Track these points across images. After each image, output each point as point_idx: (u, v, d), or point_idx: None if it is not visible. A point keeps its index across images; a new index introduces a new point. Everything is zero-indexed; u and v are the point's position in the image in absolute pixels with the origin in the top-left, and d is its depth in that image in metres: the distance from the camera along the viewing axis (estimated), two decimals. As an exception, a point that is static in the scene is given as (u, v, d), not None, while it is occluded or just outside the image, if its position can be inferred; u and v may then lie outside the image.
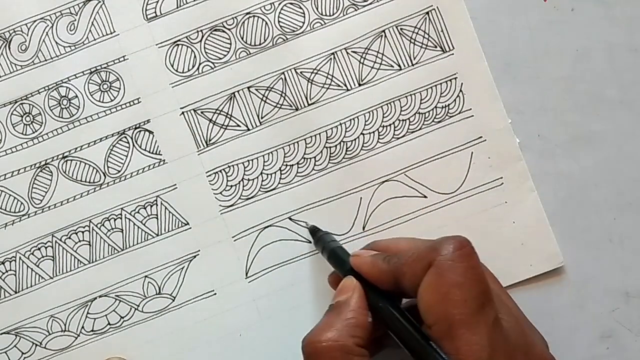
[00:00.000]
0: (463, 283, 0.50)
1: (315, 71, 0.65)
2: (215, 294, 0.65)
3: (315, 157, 0.65)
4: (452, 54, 0.65)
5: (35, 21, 0.65)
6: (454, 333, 0.49)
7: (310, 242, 0.65)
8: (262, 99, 0.65)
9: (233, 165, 0.65)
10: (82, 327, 0.64)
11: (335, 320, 0.54)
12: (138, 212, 0.65)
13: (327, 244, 0.61)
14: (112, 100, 0.65)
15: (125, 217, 0.65)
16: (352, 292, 0.55)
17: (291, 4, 0.65)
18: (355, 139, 0.65)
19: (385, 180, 0.65)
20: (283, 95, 0.65)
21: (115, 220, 0.65)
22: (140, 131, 0.65)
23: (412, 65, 0.65)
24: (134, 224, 0.65)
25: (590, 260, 0.65)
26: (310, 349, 0.53)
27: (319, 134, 0.65)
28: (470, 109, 0.65)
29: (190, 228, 0.65)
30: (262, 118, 0.65)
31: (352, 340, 0.52)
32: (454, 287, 0.50)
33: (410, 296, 0.53)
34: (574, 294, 0.65)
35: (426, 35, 0.65)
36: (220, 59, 0.65)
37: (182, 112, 0.65)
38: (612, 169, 0.65)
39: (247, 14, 0.65)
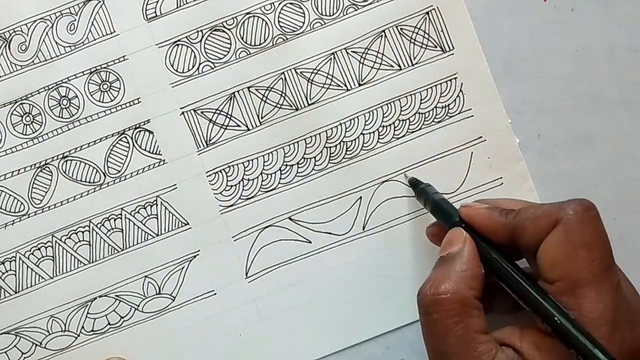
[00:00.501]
0: (591, 243, 0.50)
1: (315, 71, 0.65)
2: (215, 294, 0.65)
3: (315, 157, 0.65)
4: (452, 54, 0.65)
5: (35, 21, 0.65)
6: (579, 291, 0.50)
7: (310, 242, 0.65)
8: (262, 99, 0.65)
9: (233, 165, 0.65)
10: (82, 327, 0.64)
11: (450, 271, 0.53)
12: (138, 212, 0.65)
13: (430, 195, 0.61)
14: (112, 100, 0.65)
15: (125, 217, 0.65)
16: (464, 244, 0.55)
17: (291, 4, 0.65)
18: (355, 139, 0.65)
19: (385, 180, 0.65)
20: (283, 95, 0.65)
21: (115, 220, 0.65)
22: (140, 131, 0.65)
23: (412, 65, 0.65)
24: (134, 224, 0.65)
25: (590, 260, 0.65)
26: (428, 300, 0.52)
27: (319, 134, 0.65)
28: (470, 109, 0.65)
29: (190, 228, 0.65)
30: (262, 118, 0.65)
31: (470, 293, 0.52)
32: (582, 246, 0.50)
33: (524, 253, 0.54)
34: (574, 294, 0.64)
35: (426, 35, 0.65)
36: (220, 59, 0.65)
37: (182, 112, 0.65)
38: (612, 169, 0.65)
39: (247, 14, 0.65)
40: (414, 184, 0.63)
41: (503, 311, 0.57)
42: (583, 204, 0.52)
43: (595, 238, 0.51)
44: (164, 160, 0.65)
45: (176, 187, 0.65)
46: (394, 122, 0.65)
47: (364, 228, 0.65)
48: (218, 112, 0.65)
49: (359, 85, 0.65)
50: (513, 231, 0.54)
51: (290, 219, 0.65)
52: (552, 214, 0.52)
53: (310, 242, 0.65)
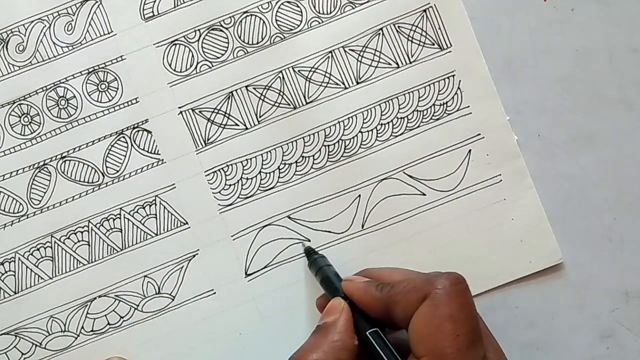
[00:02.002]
0: (457, 318, 0.51)
1: (313, 69, 0.65)
2: (214, 293, 0.65)
3: (313, 156, 0.65)
4: (450, 51, 0.65)
5: (32, 22, 0.64)
6: None
7: (309, 241, 0.65)
8: (260, 98, 0.65)
9: (231, 164, 0.65)
10: (82, 327, 0.64)
11: (322, 341, 0.54)
12: (137, 211, 0.65)
13: (320, 268, 0.62)
14: (110, 100, 0.65)
15: (124, 217, 0.65)
16: (340, 314, 0.56)
17: (288, 2, 0.65)
18: (353, 137, 0.65)
19: (384, 178, 0.65)
20: (281, 93, 0.65)
21: (114, 220, 0.65)
22: (138, 131, 0.65)
23: (410, 63, 0.65)
24: (133, 223, 0.65)
25: (590, 260, 0.65)
26: None
27: (317, 132, 0.65)
28: (469, 107, 0.65)
29: (189, 227, 0.65)
30: (260, 117, 0.65)
31: None
32: (448, 320, 0.50)
33: (399, 326, 0.54)
34: (574, 294, 0.65)
35: (424, 33, 0.65)
36: (218, 58, 0.65)
37: (180, 112, 0.65)
38: (612, 169, 0.65)
39: (245, 12, 0.65)
40: (308, 253, 0.64)
41: None
42: (452, 278, 0.52)
43: (461, 312, 0.51)
44: (162, 159, 0.65)
45: (175, 187, 0.65)
46: (392, 120, 0.65)
47: (362, 226, 0.65)
48: (216, 111, 0.65)
49: (357, 83, 0.65)
50: (387, 305, 0.54)
51: (289, 217, 0.65)
52: (422, 289, 0.52)
53: (309, 240, 0.65)
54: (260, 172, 0.65)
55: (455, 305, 0.51)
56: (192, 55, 0.65)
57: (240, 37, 0.65)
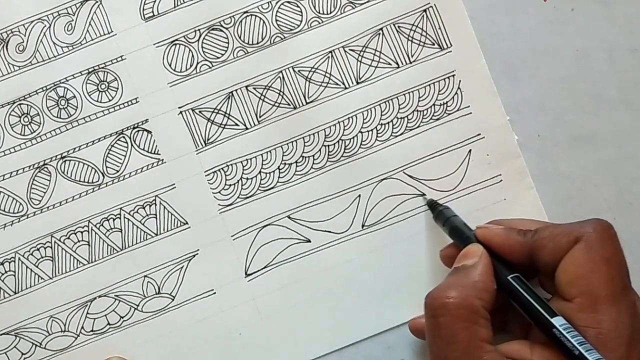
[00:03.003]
0: (611, 261, 0.51)
1: (313, 69, 0.65)
2: (214, 293, 0.65)
3: (313, 156, 0.65)
4: (450, 51, 0.65)
5: (32, 22, 0.64)
6: (599, 307, 0.50)
7: (309, 241, 0.65)
8: (260, 98, 0.65)
9: (231, 164, 0.65)
10: (82, 327, 0.64)
11: (461, 280, 0.54)
12: (137, 211, 0.65)
13: (448, 218, 0.61)
14: (110, 100, 0.65)
15: (124, 217, 0.65)
16: (480, 258, 0.55)
17: (288, 2, 0.65)
18: (353, 137, 0.65)
19: (384, 178, 0.65)
20: (281, 93, 0.65)
21: (114, 220, 0.65)
22: (138, 131, 0.65)
23: (410, 63, 0.65)
24: (133, 223, 0.65)
25: (589, 260, 0.65)
26: (437, 303, 0.53)
27: (317, 132, 0.65)
28: (469, 106, 0.65)
29: (189, 227, 0.65)
30: (260, 117, 0.65)
31: (479, 302, 0.52)
32: (603, 263, 0.51)
33: (542, 271, 0.54)
34: (573, 294, 0.64)
35: (424, 33, 0.65)
36: (218, 58, 0.65)
37: (180, 112, 0.65)
38: (612, 169, 0.65)
39: (245, 12, 0.65)
40: (433, 206, 0.64)
41: (518, 335, 0.57)
42: (602, 223, 0.53)
43: (615, 256, 0.51)
44: (162, 159, 0.65)
45: (175, 187, 0.65)
46: (392, 120, 0.65)
47: (363, 226, 0.65)
48: (216, 111, 0.65)
49: (357, 83, 0.65)
50: (531, 250, 0.54)
51: (289, 217, 0.65)
52: (572, 232, 0.52)
53: (309, 240, 0.65)
54: (260, 172, 0.65)
55: (609, 249, 0.51)
56: (192, 55, 0.65)
57: (240, 37, 0.65)
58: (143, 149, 0.65)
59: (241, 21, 0.65)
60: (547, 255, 0.53)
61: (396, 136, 0.65)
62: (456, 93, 0.65)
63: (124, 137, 0.65)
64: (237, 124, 0.65)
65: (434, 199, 0.64)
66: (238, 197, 0.65)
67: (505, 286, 0.54)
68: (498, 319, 0.55)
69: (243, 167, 0.65)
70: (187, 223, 0.65)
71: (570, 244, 0.52)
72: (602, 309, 0.50)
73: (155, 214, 0.65)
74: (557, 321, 0.51)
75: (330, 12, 0.65)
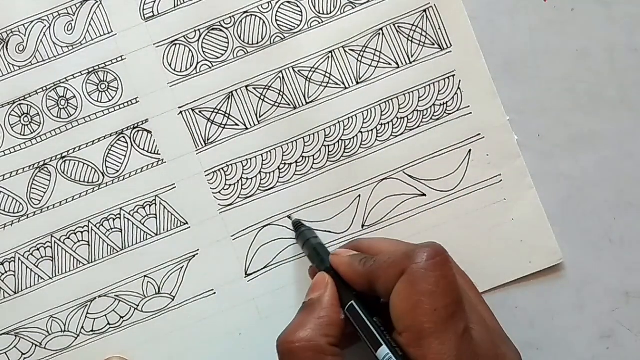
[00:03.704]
0: (434, 292, 0.50)
1: (313, 69, 0.65)
2: (214, 293, 0.65)
3: (313, 156, 0.65)
4: (450, 51, 0.65)
5: (32, 22, 0.64)
6: (423, 342, 0.49)
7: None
8: (260, 98, 0.65)
9: (231, 164, 0.65)
10: (82, 327, 0.64)
11: (308, 319, 0.55)
12: (137, 211, 0.65)
13: (308, 240, 0.62)
14: (110, 100, 0.65)
15: (124, 217, 0.65)
16: (325, 290, 0.56)
17: (288, 2, 0.65)
18: (353, 137, 0.65)
19: (384, 178, 0.65)
20: (281, 93, 0.65)
21: (114, 220, 0.65)
22: (138, 131, 0.65)
23: (410, 63, 0.65)
24: (133, 223, 0.65)
25: (590, 260, 0.65)
26: (284, 349, 0.54)
27: (317, 132, 0.65)
28: (469, 107, 0.65)
29: (189, 227, 0.65)
30: (260, 117, 0.65)
31: (324, 340, 0.53)
32: (425, 295, 0.50)
33: (385, 299, 0.53)
34: (574, 294, 0.65)
35: (424, 33, 0.65)
36: (218, 58, 0.65)
37: (180, 112, 0.65)
38: (612, 169, 0.65)
39: (245, 12, 0.65)
40: (296, 226, 0.64)
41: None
42: (430, 250, 0.52)
43: (438, 286, 0.51)
44: (162, 159, 0.65)
45: (175, 187, 0.65)
46: (392, 120, 0.65)
47: (363, 226, 0.65)
48: (216, 111, 0.65)
49: (357, 83, 0.65)
50: (369, 280, 0.54)
51: (289, 217, 0.65)
52: (399, 264, 0.52)
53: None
54: (260, 172, 0.65)
55: (432, 280, 0.50)
56: (192, 55, 0.65)
57: (240, 37, 0.65)
58: (143, 149, 0.65)
59: (241, 21, 0.65)
60: (381, 287, 0.53)
61: (396, 136, 0.65)
62: (456, 93, 0.65)
63: (124, 137, 0.65)
64: (237, 124, 0.65)
65: (300, 220, 0.65)
66: (238, 197, 0.65)
67: (350, 316, 0.55)
68: (353, 332, 0.55)
69: (243, 167, 0.65)
70: (187, 223, 0.65)
71: (397, 276, 0.51)
72: (426, 343, 0.49)
73: (155, 214, 0.65)
74: (381, 353, 0.52)
75: (330, 12, 0.65)
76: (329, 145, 0.65)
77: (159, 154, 0.65)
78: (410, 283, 0.51)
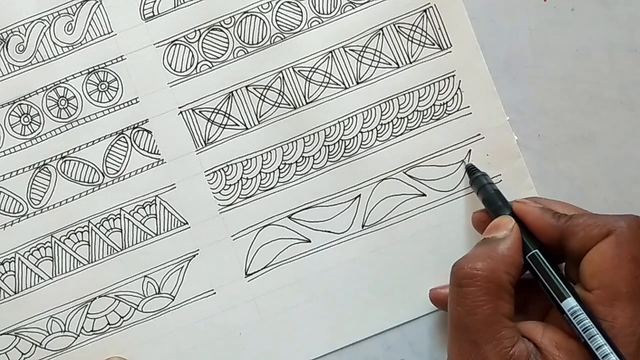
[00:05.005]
0: (638, 260, 0.51)
1: (313, 70, 0.65)
2: (214, 293, 0.65)
3: (313, 156, 0.65)
4: (450, 51, 0.65)
5: (32, 22, 0.64)
6: (617, 303, 0.50)
7: (309, 241, 0.65)
8: (260, 98, 0.65)
9: (232, 165, 0.65)
10: (82, 327, 0.64)
11: (491, 252, 0.54)
12: (137, 211, 0.65)
13: (483, 185, 0.61)
14: (110, 100, 0.65)
15: (124, 217, 0.65)
16: (510, 232, 0.55)
17: (288, 2, 0.65)
18: (353, 137, 0.65)
19: (384, 179, 0.65)
20: (281, 93, 0.65)
21: (114, 220, 0.65)
22: (138, 131, 0.65)
23: (410, 63, 0.65)
24: (133, 223, 0.65)
25: (589, 260, 0.65)
26: (464, 273, 0.53)
27: (318, 132, 0.65)
28: (469, 107, 0.65)
29: (189, 227, 0.65)
30: (260, 117, 0.65)
31: (506, 277, 0.53)
32: (630, 260, 0.51)
33: (569, 257, 0.54)
34: (574, 294, 0.65)
35: (424, 33, 0.65)
36: (218, 58, 0.65)
37: (181, 112, 0.65)
38: (612, 169, 0.65)
39: (245, 13, 0.65)
40: (470, 171, 0.64)
41: (536, 316, 0.57)
42: (638, 220, 0.52)
43: None
44: (162, 159, 0.65)
45: (175, 187, 0.65)
46: (392, 120, 0.65)
47: (363, 226, 0.65)
48: (216, 111, 0.65)
49: (357, 83, 0.65)
50: (562, 234, 0.54)
51: (289, 217, 0.65)
52: (606, 224, 0.52)
53: (309, 240, 0.65)
54: (260, 172, 0.65)
55: (638, 247, 0.51)
56: (192, 55, 0.65)
57: (240, 37, 0.65)
58: (143, 149, 0.65)
59: (241, 21, 0.65)
60: (577, 242, 0.53)
61: (396, 136, 0.65)
62: (456, 93, 0.65)
63: (124, 137, 0.65)
64: (237, 124, 0.65)
65: (474, 164, 0.64)
66: (238, 197, 0.65)
67: (530, 262, 0.55)
68: (520, 296, 0.55)
69: (243, 167, 0.65)
70: (187, 223, 0.65)
71: (601, 236, 0.52)
72: (620, 305, 0.50)
73: (156, 214, 0.65)
74: (567, 304, 0.52)
75: (330, 12, 0.65)
76: (329, 146, 0.65)
77: (159, 154, 0.65)
78: (617, 244, 0.51)
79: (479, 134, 0.65)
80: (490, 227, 0.57)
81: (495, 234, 0.56)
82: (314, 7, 0.65)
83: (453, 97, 0.65)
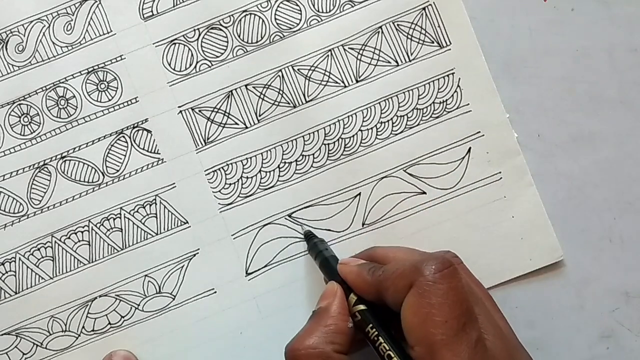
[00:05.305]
0: (443, 304, 0.50)
1: (312, 68, 0.65)
2: (215, 292, 0.65)
3: (313, 154, 0.65)
4: (449, 49, 0.65)
5: (32, 22, 0.64)
6: (436, 354, 0.49)
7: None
8: (259, 97, 0.65)
9: (231, 163, 0.65)
10: (83, 327, 0.65)
11: (316, 327, 0.55)
12: (137, 211, 0.65)
13: (319, 252, 0.62)
14: (109, 100, 0.65)
15: (125, 217, 0.65)
16: (333, 298, 0.56)
17: (287, 1, 0.65)
18: (353, 136, 0.65)
19: (384, 177, 0.65)
20: (281, 92, 0.65)
21: (114, 219, 0.65)
22: (138, 130, 0.65)
23: (410, 61, 0.65)
24: (133, 223, 0.65)
25: (590, 260, 0.65)
26: (291, 356, 0.54)
27: (317, 131, 0.65)
28: (468, 104, 0.65)
29: (189, 227, 0.65)
30: (260, 116, 0.65)
31: (330, 347, 0.53)
32: (435, 308, 0.50)
33: (395, 309, 0.53)
34: (574, 294, 0.65)
35: (423, 31, 0.65)
36: (218, 57, 0.65)
37: (180, 111, 0.65)
38: (612, 169, 0.65)
39: (244, 11, 0.65)
40: (308, 237, 0.64)
41: None
42: (438, 262, 0.52)
43: (448, 297, 0.50)
44: (162, 159, 0.65)
45: (175, 186, 0.65)
46: (392, 118, 0.65)
47: (363, 224, 0.65)
48: (216, 110, 0.65)
49: (357, 81, 0.65)
50: (378, 290, 0.54)
51: (289, 216, 0.65)
52: (408, 276, 0.52)
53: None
54: (260, 171, 0.65)
55: (441, 292, 0.50)
56: (192, 55, 0.65)
57: (239, 36, 0.65)
58: (143, 149, 0.65)
59: (240, 20, 0.64)
60: (390, 298, 0.53)
61: (396, 134, 0.65)
62: (456, 91, 0.65)
63: (123, 136, 0.65)
64: (236, 123, 0.65)
65: (311, 231, 0.65)
66: (238, 196, 0.65)
67: (359, 326, 0.56)
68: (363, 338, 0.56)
69: (243, 166, 0.65)
70: (187, 222, 0.65)
71: (406, 289, 0.51)
72: (439, 356, 0.49)
73: (156, 214, 0.65)
74: None
75: (330, 11, 0.65)
76: (328, 144, 0.65)
77: (159, 154, 0.65)
78: (419, 296, 0.50)
79: (479, 132, 0.65)
80: (320, 297, 0.58)
81: (321, 304, 0.57)
82: (313, 6, 0.64)
83: (453, 95, 0.65)
